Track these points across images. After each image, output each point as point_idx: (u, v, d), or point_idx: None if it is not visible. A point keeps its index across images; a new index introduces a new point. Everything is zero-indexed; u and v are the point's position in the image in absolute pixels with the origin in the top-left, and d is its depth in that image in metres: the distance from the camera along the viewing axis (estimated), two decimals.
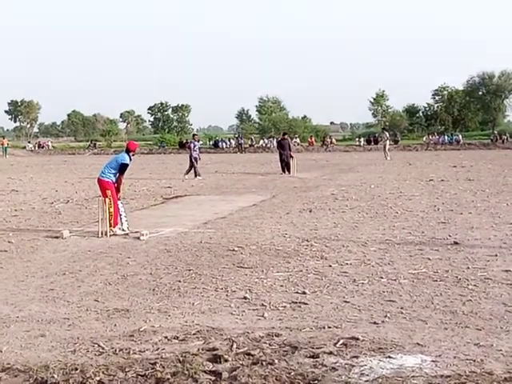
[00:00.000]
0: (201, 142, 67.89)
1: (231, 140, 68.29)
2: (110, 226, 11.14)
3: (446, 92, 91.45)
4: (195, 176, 24.72)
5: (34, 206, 16.00)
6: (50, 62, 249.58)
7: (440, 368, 4.65)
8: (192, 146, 26.05)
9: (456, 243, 9.64)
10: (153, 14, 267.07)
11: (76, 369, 4.72)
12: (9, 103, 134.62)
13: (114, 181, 11.56)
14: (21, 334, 5.65)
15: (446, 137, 62.82)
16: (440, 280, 7.38)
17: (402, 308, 6.25)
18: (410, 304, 6.39)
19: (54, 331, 5.73)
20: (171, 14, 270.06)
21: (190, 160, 25.43)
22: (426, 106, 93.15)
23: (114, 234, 11.07)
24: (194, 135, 30.15)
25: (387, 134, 40.72)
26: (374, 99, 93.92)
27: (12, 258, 9.27)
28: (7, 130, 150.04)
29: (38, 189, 21.29)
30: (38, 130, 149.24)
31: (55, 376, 4.59)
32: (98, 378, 4.55)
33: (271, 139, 64.01)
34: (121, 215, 11.45)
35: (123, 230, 11.32)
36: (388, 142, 39.33)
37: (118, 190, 11.58)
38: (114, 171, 11.57)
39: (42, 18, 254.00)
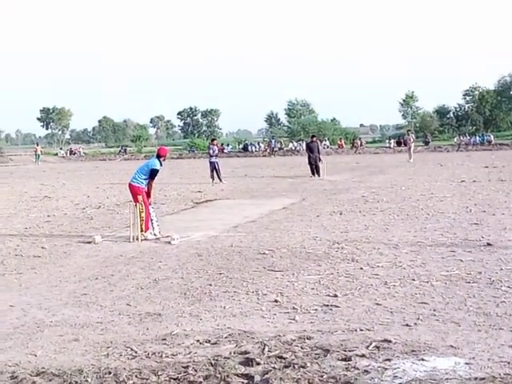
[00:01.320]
0: (230, 147, 68.37)
1: (260, 144, 68.41)
2: (142, 230, 11.22)
3: (476, 92, 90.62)
4: (219, 180, 24.79)
5: (66, 212, 16.18)
6: (80, 69, 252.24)
7: (474, 370, 4.61)
8: (211, 151, 26.01)
9: (489, 244, 9.53)
10: (181, 19, 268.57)
11: (109, 373, 4.76)
12: (41, 110, 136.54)
13: (145, 186, 11.64)
14: (55, 339, 5.72)
15: (477, 137, 62.11)
16: (473, 282, 7.30)
17: (434, 310, 6.19)
18: (442, 306, 6.34)
19: (87, 335, 5.78)
20: (200, 19, 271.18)
21: (210, 165, 25.52)
22: (457, 106, 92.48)
23: (145, 239, 11.14)
24: (212, 140, 29.67)
25: (413, 135, 40.76)
26: (404, 100, 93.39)
27: (45, 264, 9.38)
28: (39, 136, 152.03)
29: (69, 195, 21.52)
30: (69, 137, 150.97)
31: (89, 380, 4.64)
32: (131, 382, 4.59)
33: (300, 142, 63.98)
34: (152, 220, 11.54)
35: (154, 234, 11.40)
36: (414, 144, 39.31)
37: (148, 195, 11.66)
38: (144, 177, 11.65)
39: (70, 28, 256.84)
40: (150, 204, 11.66)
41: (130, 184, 11.82)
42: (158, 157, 11.84)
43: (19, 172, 41.72)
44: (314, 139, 28.80)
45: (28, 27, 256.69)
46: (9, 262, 9.61)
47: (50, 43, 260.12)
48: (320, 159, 27.04)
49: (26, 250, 10.57)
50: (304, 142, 61.66)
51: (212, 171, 25.21)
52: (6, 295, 7.48)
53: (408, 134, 40.04)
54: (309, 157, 27.42)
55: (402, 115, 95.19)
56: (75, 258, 9.73)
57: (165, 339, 5.58)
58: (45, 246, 10.86)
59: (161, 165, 11.81)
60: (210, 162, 25.43)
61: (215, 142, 28.30)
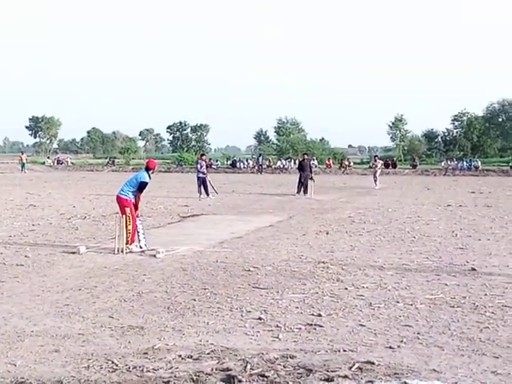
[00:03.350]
0: (219, 162, 68.39)
1: (249, 160, 68.47)
2: (127, 243, 11.16)
3: (465, 118, 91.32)
4: (207, 195, 24.80)
5: (51, 221, 16.08)
6: (71, 79, 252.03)
7: None
8: (198, 166, 26.04)
9: (473, 269, 9.55)
10: (174, 34, 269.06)
11: None
12: (30, 119, 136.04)
13: (133, 198, 11.58)
14: (35, 349, 5.65)
15: (464, 163, 62.43)
16: (457, 306, 7.31)
17: (418, 333, 6.18)
18: (426, 329, 6.33)
19: (68, 347, 5.72)
20: (193, 35, 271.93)
21: (198, 179, 25.53)
22: (445, 131, 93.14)
23: (130, 252, 11.08)
24: (201, 155, 29.82)
25: (380, 161, 37.96)
26: (393, 123, 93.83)
27: (28, 273, 9.30)
28: (27, 145, 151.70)
29: (55, 204, 21.41)
30: (57, 146, 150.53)
31: None
32: None
33: (289, 160, 64.17)
34: (138, 232, 11.48)
35: (141, 247, 11.34)
36: (380, 170, 36.19)
37: (136, 207, 11.61)
38: (133, 189, 11.58)
39: (62, 37, 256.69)
40: (137, 216, 11.61)
41: (117, 196, 11.75)
42: (147, 169, 11.80)
43: (5, 180, 41.46)
44: (306, 157, 28.83)
45: (21, 35, 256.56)
46: None
47: (43, 52, 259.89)
48: (312, 178, 27.03)
49: (9, 259, 10.47)
50: (292, 161, 62.01)
51: (199, 186, 25.20)
52: None
53: (375, 160, 36.73)
54: (300, 176, 27.38)
55: (391, 138, 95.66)
56: (59, 268, 9.65)
57: (146, 353, 5.53)
58: (28, 255, 10.77)
59: (149, 177, 11.76)
60: (198, 177, 25.43)
61: (204, 157, 28.30)
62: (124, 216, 11.32)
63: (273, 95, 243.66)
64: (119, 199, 11.65)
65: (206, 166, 27.16)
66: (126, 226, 11.22)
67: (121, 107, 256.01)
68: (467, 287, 8.33)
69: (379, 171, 35.47)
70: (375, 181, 33.96)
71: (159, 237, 13.13)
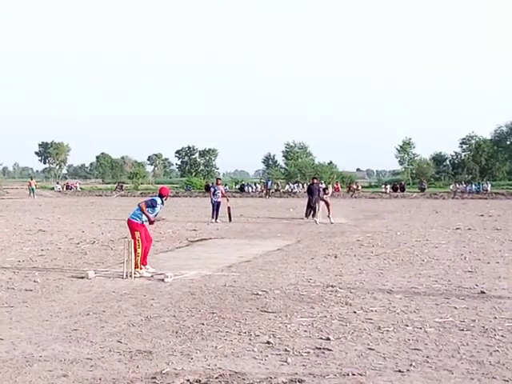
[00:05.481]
0: (227, 187, 68.51)
1: (257, 184, 68.54)
2: (136, 267, 11.18)
3: (473, 141, 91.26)
4: (215, 219, 24.88)
5: (60, 246, 16.12)
6: (80, 105, 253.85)
7: None
8: (212, 190, 26.23)
9: (483, 293, 9.52)
10: (183, 58, 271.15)
11: None
12: (39, 145, 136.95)
13: (142, 222, 11.61)
14: (43, 374, 5.65)
15: (473, 186, 62.25)
16: (466, 329, 7.27)
17: (427, 357, 6.15)
18: (435, 353, 6.29)
19: (76, 371, 5.72)
20: (202, 58, 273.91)
21: (213, 204, 25.63)
22: (454, 154, 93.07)
23: (140, 276, 11.09)
24: (217, 179, 30.23)
25: (330, 186, 29.53)
26: (401, 147, 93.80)
27: (37, 298, 9.32)
28: (36, 170, 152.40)
29: (64, 229, 21.46)
30: (66, 172, 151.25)
31: None
32: None
33: (297, 184, 64.23)
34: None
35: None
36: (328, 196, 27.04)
37: (151, 221, 11.61)
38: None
39: (71, 63, 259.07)
40: (164, 219, 11.58)
41: (128, 220, 11.81)
42: (160, 196, 11.92)
43: (15, 205, 41.61)
44: (315, 181, 28.30)
45: (31, 61, 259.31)
46: (0, 295, 9.54)
47: (53, 79, 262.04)
48: (323, 200, 26.17)
49: (18, 284, 10.50)
50: (300, 185, 62.05)
51: (215, 210, 25.24)
52: None
53: (327, 188, 29.40)
54: (309, 200, 27.03)
55: (399, 161, 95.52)
56: (67, 293, 9.67)
57: (155, 378, 5.52)
58: (37, 280, 10.80)
59: (162, 203, 11.86)
60: (213, 201, 25.49)
61: (219, 181, 28.51)
62: (133, 240, 11.36)
63: (281, 120, 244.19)
64: (130, 223, 11.71)
65: (222, 191, 27.08)
66: (135, 250, 11.25)
67: (129, 132, 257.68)
68: (476, 310, 8.30)
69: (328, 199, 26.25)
70: (328, 211, 25.16)
71: (167, 261, 13.15)
